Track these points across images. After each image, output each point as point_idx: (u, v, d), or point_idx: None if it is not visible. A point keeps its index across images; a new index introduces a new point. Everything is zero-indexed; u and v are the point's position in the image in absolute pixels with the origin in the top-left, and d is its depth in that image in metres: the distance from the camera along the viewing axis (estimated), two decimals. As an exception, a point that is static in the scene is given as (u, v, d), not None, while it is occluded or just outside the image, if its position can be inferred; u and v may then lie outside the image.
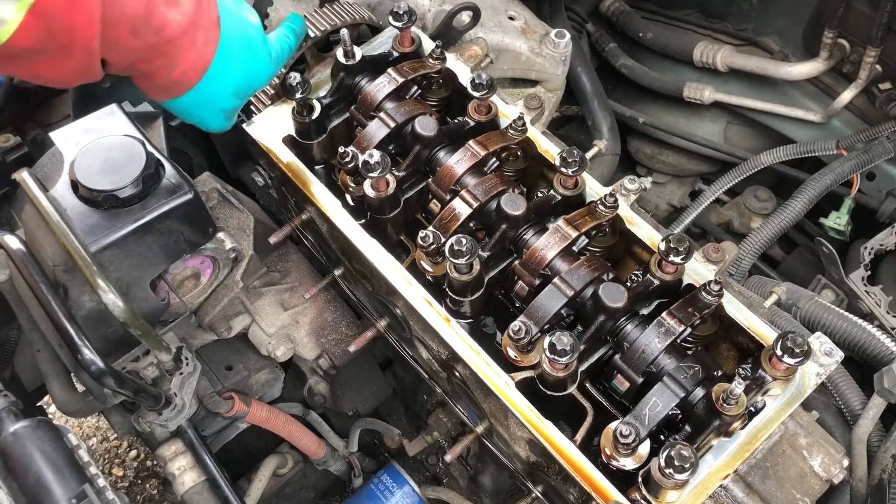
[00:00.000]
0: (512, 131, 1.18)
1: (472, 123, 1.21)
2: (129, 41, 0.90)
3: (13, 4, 0.77)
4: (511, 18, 1.56)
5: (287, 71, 1.30)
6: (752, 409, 1.01)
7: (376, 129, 1.19)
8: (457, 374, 1.13)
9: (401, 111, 1.19)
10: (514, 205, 1.09)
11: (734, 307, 1.07)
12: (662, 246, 1.03)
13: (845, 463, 1.06)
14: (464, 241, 1.02)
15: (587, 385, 1.10)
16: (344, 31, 1.25)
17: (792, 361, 0.95)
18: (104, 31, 0.86)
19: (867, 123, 1.74)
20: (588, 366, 1.07)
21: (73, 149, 1.16)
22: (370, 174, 1.09)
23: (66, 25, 0.82)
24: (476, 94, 1.17)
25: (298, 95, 1.21)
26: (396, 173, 1.17)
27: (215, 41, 1.03)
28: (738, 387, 0.93)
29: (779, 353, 0.95)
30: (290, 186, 1.26)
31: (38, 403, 1.85)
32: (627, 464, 0.96)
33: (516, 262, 1.12)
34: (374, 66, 1.28)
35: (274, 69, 1.19)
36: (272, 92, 1.34)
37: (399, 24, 1.24)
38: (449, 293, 1.11)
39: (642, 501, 0.96)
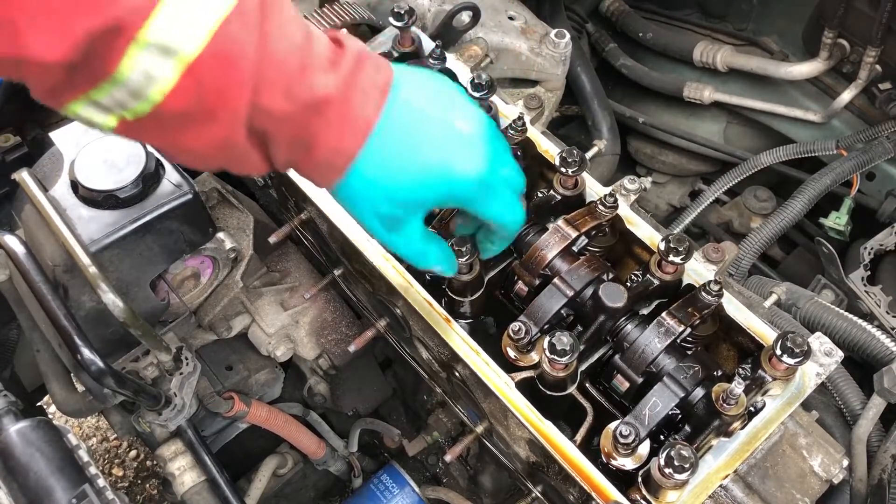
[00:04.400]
0: (512, 131, 1.18)
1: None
2: (282, 105, 0.77)
3: (171, 63, 0.69)
4: (511, 18, 1.56)
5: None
6: (751, 409, 1.01)
7: None
8: (457, 374, 1.13)
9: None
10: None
11: (734, 307, 1.07)
12: (662, 246, 1.03)
13: (845, 463, 1.06)
14: (464, 241, 1.02)
15: (587, 385, 1.10)
16: (344, 32, 1.25)
17: (792, 361, 0.95)
18: (257, 95, 0.75)
19: (867, 123, 1.74)
20: (588, 366, 1.07)
21: (73, 149, 1.16)
22: None
23: (218, 86, 0.73)
24: (476, 95, 1.17)
25: None
26: None
27: (378, 106, 0.83)
28: (737, 387, 0.93)
29: (779, 353, 0.95)
30: (289, 186, 1.26)
31: (38, 403, 1.85)
32: (627, 464, 0.96)
33: (516, 262, 1.12)
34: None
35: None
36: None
37: (399, 24, 1.24)
38: (449, 293, 1.11)
39: (642, 501, 0.96)
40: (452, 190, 0.87)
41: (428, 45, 1.32)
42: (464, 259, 1.03)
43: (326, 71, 0.80)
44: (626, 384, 1.03)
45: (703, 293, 1.03)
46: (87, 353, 1.03)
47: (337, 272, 1.33)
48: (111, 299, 1.04)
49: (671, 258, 1.02)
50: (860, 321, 1.29)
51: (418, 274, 1.13)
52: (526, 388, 1.04)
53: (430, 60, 1.25)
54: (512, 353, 1.05)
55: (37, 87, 0.72)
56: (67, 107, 0.73)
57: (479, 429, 1.17)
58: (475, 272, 1.07)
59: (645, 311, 1.09)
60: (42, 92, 0.72)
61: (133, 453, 2.57)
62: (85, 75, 0.68)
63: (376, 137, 0.83)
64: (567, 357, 0.95)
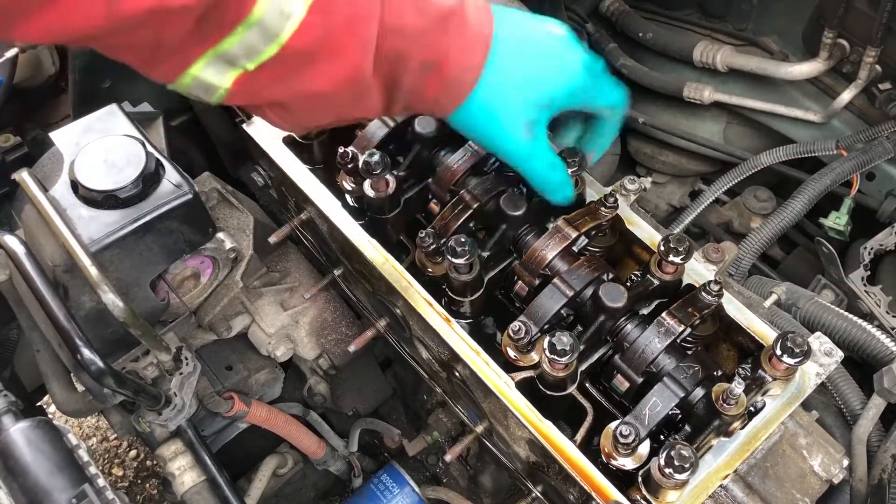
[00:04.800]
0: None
1: None
2: (415, 20, 0.78)
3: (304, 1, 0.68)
4: (511, 18, 1.56)
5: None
6: (751, 409, 1.01)
7: (375, 129, 1.19)
8: (457, 374, 1.13)
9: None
10: (513, 205, 1.09)
11: (734, 307, 1.07)
12: (662, 246, 1.03)
13: (845, 463, 1.06)
14: (464, 240, 1.02)
15: (587, 385, 1.10)
16: None
17: (792, 361, 0.95)
18: (387, 15, 0.75)
19: (867, 123, 1.74)
20: (588, 366, 1.07)
21: (73, 149, 1.16)
22: (371, 174, 1.09)
23: (347, 13, 0.72)
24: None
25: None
26: (396, 173, 1.16)
27: (490, 20, 0.89)
28: (737, 387, 0.93)
29: (778, 353, 0.95)
30: (289, 186, 1.26)
31: (38, 403, 1.85)
32: (627, 464, 0.96)
33: (516, 262, 1.12)
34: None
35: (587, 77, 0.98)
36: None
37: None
38: (449, 293, 1.11)
39: (642, 501, 0.96)
40: (572, 82, 0.96)
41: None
42: (464, 259, 1.03)
43: None
44: (626, 384, 1.03)
45: (703, 293, 1.03)
46: (86, 353, 1.03)
47: (337, 272, 1.33)
48: (111, 299, 1.04)
49: (671, 258, 1.02)
50: (860, 321, 1.29)
51: (418, 274, 1.13)
52: (526, 388, 1.04)
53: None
54: (512, 353, 1.05)
55: (159, 53, 0.69)
56: (188, 71, 0.71)
57: (479, 429, 1.17)
58: (475, 272, 1.07)
59: (645, 311, 1.09)
60: (167, 54, 0.70)
61: (133, 453, 2.57)
62: (218, 22, 0.67)
63: (495, 49, 0.89)
64: (567, 357, 0.95)
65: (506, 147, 0.98)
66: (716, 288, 1.02)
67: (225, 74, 0.72)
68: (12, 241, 1.08)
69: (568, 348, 0.95)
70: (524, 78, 0.93)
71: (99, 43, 0.67)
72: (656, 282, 1.07)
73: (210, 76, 0.72)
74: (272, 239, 1.30)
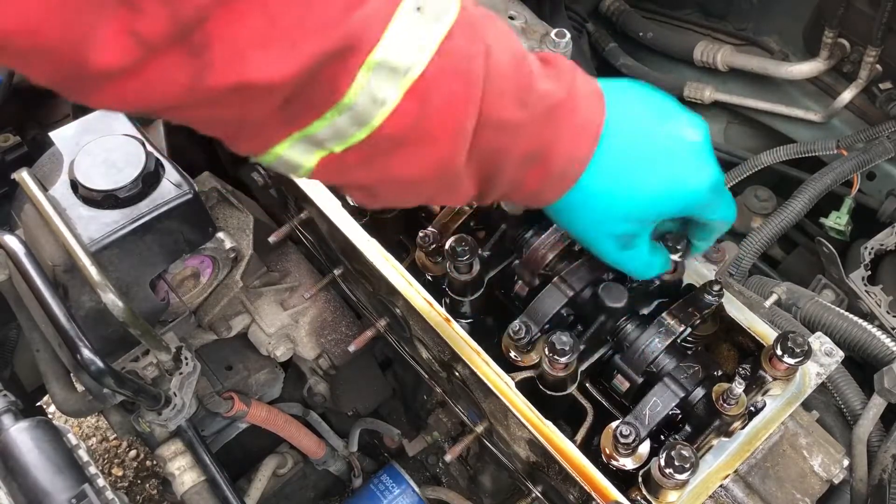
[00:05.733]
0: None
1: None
2: (515, 114, 0.72)
3: (394, 84, 0.63)
4: (511, 18, 1.56)
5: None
6: (752, 408, 1.01)
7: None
8: (457, 374, 1.12)
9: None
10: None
11: (734, 307, 1.07)
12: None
13: (845, 463, 1.06)
14: (464, 240, 1.02)
15: (587, 385, 1.10)
16: None
17: (792, 361, 0.95)
18: (487, 107, 0.70)
19: (867, 123, 1.74)
20: (588, 366, 1.07)
21: (72, 148, 1.16)
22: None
23: (443, 103, 0.67)
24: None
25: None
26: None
27: (601, 111, 0.79)
28: (738, 387, 0.93)
29: (779, 353, 0.95)
30: (289, 186, 1.26)
31: (38, 403, 1.85)
32: (627, 464, 0.96)
33: (516, 261, 1.12)
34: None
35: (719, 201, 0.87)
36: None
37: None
38: (449, 293, 1.11)
39: (642, 501, 0.96)
40: (690, 201, 0.84)
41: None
42: (464, 259, 1.02)
43: (549, 77, 0.76)
44: (627, 384, 1.03)
45: (704, 293, 1.03)
46: (86, 353, 1.03)
47: (337, 272, 1.32)
48: (111, 299, 1.04)
49: (671, 257, 1.02)
50: (860, 321, 1.29)
51: (418, 274, 1.13)
52: (526, 388, 1.04)
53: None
54: (512, 353, 1.05)
55: (244, 130, 0.66)
56: (272, 150, 0.68)
57: (479, 429, 1.17)
58: (475, 272, 1.07)
59: (645, 311, 1.09)
60: (251, 132, 0.67)
61: (133, 453, 2.57)
62: (307, 105, 0.64)
63: (604, 146, 0.79)
64: (567, 357, 0.95)
65: (597, 251, 0.90)
66: (716, 288, 1.02)
67: (310, 155, 0.69)
68: (12, 241, 1.07)
69: (568, 348, 0.95)
70: (631, 185, 0.81)
71: (180, 115, 0.64)
72: (657, 282, 1.07)
73: (294, 156, 0.69)
74: (272, 239, 1.30)
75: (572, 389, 1.04)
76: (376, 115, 0.65)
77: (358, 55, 0.62)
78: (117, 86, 0.57)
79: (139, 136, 1.18)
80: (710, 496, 0.97)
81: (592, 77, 0.81)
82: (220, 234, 1.26)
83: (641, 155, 0.81)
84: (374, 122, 0.65)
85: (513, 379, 1.03)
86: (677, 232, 0.99)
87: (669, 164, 0.82)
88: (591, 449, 1.01)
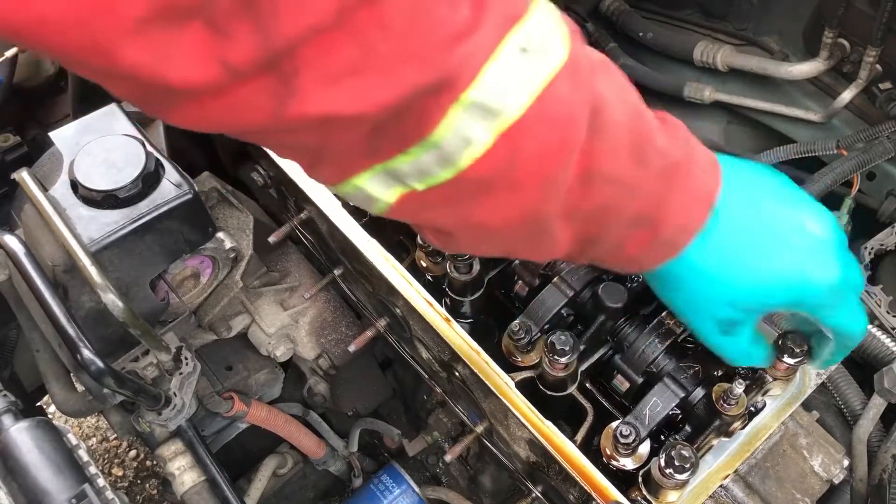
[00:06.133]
0: None
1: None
2: (631, 170, 0.67)
3: (487, 126, 0.59)
4: (511, 18, 1.56)
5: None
6: (752, 409, 1.01)
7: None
8: (457, 374, 1.12)
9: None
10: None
11: (734, 307, 1.07)
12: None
13: (845, 463, 1.06)
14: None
15: (587, 385, 1.10)
16: None
17: (792, 361, 0.95)
18: (593, 161, 0.65)
19: (867, 123, 1.74)
20: (588, 366, 1.07)
21: (72, 148, 1.16)
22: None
23: (538, 151, 0.62)
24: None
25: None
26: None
27: (717, 181, 0.74)
28: (738, 387, 0.93)
29: (779, 353, 0.95)
30: (289, 186, 1.26)
31: (38, 403, 1.85)
32: (627, 464, 0.96)
33: (516, 261, 1.12)
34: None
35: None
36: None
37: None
38: (449, 293, 1.11)
39: (642, 501, 0.96)
40: (803, 297, 0.77)
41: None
42: (464, 259, 1.02)
43: (667, 135, 0.71)
44: (627, 384, 1.03)
45: (704, 293, 1.02)
46: (86, 353, 1.03)
47: (337, 272, 1.32)
48: (111, 299, 1.04)
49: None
50: (860, 321, 1.29)
51: (418, 274, 1.13)
52: (526, 388, 1.04)
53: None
54: (512, 353, 1.05)
55: (323, 157, 0.63)
56: (350, 180, 0.64)
57: (479, 429, 1.17)
58: (475, 272, 1.06)
59: (645, 311, 1.09)
60: (332, 159, 0.63)
61: (133, 453, 2.57)
62: (392, 138, 0.60)
63: (716, 220, 0.73)
64: (567, 357, 0.95)
65: (694, 329, 0.84)
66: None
67: (390, 189, 0.65)
68: (12, 241, 1.07)
69: (568, 348, 0.95)
70: (741, 268, 0.75)
71: (262, 139, 0.62)
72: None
73: (373, 188, 0.65)
74: (272, 239, 1.30)
75: (572, 389, 1.04)
76: (463, 155, 0.61)
77: (452, 91, 0.58)
78: (199, 105, 0.55)
79: (139, 136, 1.18)
80: (710, 496, 0.97)
81: (708, 148, 0.76)
82: (220, 234, 1.26)
83: (756, 238, 0.75)
84: (460, 163, 0.61)
85: (513, 379, 1.03)
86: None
87: (786, 252, 0.76)
88: (591, 449, 1.01)
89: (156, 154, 1.17)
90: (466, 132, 0.60)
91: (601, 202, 0.68)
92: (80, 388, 1.30)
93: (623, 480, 0.97)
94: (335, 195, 1.20)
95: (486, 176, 0.63)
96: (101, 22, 0.47)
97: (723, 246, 0.74)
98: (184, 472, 1.31)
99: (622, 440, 0.92)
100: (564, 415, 1.08)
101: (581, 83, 0.63)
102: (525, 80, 0.60)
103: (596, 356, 1.08)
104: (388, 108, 0.57)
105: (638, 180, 0.68)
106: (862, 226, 1.73)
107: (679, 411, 1.00)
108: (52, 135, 1.20)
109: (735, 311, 0.78)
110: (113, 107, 1.25)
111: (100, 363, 1.04)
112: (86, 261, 1.04)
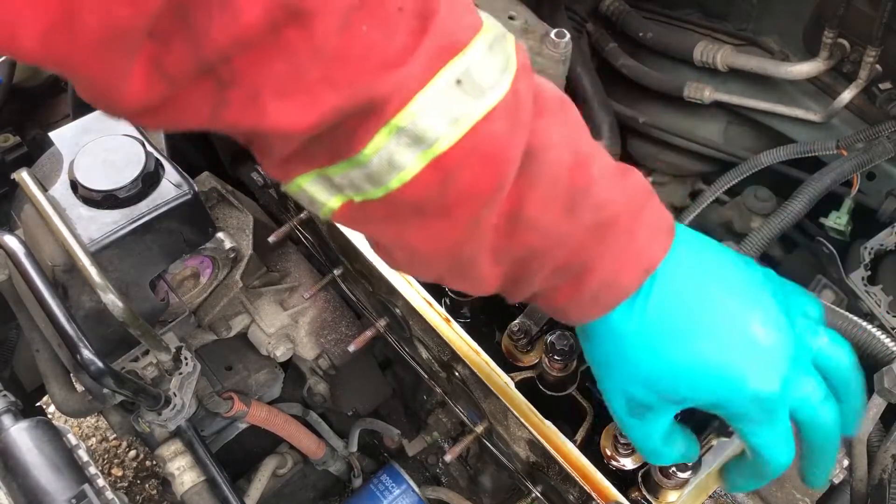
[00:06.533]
0: None
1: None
2: (560, 219, 0.65)
3: (415, 153, 0.60)
4: (511, 18, 1.56)
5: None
6: (752, 409, 1.01)
7: None
8: (457, 374, 1.13)
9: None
10: None
11: (734, 307, 1.07)
12: None
13: (845, 463, 1.06)
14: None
15: (587, 385, 1.10)
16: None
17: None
18: (522, 204, 0.64)
19: (867, 123, 1.74)
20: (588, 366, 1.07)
21: (72, 148, 1.16)
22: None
23: (467, 185, 0.62)
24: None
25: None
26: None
27: (664, 246, 0.69)
28: (738, 387, 0.93)
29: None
30: (289, 186, 1.26)
31: (38, 403, 1.85)
32: (627, 464, 0.96)
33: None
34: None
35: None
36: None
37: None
38: (449, 293, 1.11)
39: (643, 501, 0.96)
40: (727, 401, 0.70)
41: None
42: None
43: (613, 187, 0.67)
44: (627, 384, 1.03)
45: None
46: (86, 353, 1.03)
47: (337, 272, 1.32)
48: (111, 299, 1.04)
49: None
50: (860, 321, 1.29)
51: (418, 274, 1.13)
52: (526, 388, 1.04)
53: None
54: (512, 353, 1.05)
55: (268, 156, 0.65)
56: (295, 180, 0.65)
57: (479, 429, 1.17)
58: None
59: (645, 311, 1.09)
60: (272, 162, 0.65)
61: (132, 453, 2.57)
62: (325, 149, 0.61)
63: (654, 290, 0.68)
64: (567, 357, 0.95)
65: (606, 401, 0.78)
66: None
67: (332, 196, 0.65)
68: (12, 241, 1.07)
69: (568, 348, 0.95)
70: (664, 346, 0.69)
71: (208, 131, 0.64)
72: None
73: (316, 192, 0.65)
74: (272, 239, 1.30)
75: (572, 390, 1.04)
76: (392, 178, 0.61)
77: (380, 116, 0.58)
78: (146, 117, 0.58)
79: (139, 136, 1.18)
80: (710, 496, 0.97)
81: (669, 214, 0.72)
82: (220, 234, 1.26)
83: (691, 320, 0.69)
84: (390, 184, 0.62)
85: (513, 379, 1.03)
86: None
87: (719, 345, 0.68)
88: (591, 449, 1.01)
89: (156, 154, 1.17)
90: (393, 157, 0.60)
91: (526, 246, 0.66)
92: (79, 388, 1.30)
93: (623, 480, 0.97)
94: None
95: (418, 200, 0.63)
96: (61, 38, 0.49)
97: (652, 318, 0.69)
98: (183, 472, 1.31)
99: (622, 440, 0.92)
100: (564, 415, 1.08)
101: (519, 123, 0.62)
102: (457, 113, 0.59)
103: (596, 356, 1.08)
104: (312, 128, 0.58)
105: (566, 230, 0.65)
106: (862, 226, 1.73)
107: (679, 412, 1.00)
108: (52, 135, 1.20)
109: (647, 392, 0.71)
110: (113, 107, 1.25)
111: (99, 363, 1.04)
112: (86, 261, 1.04)
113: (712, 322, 0.69)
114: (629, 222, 0.67)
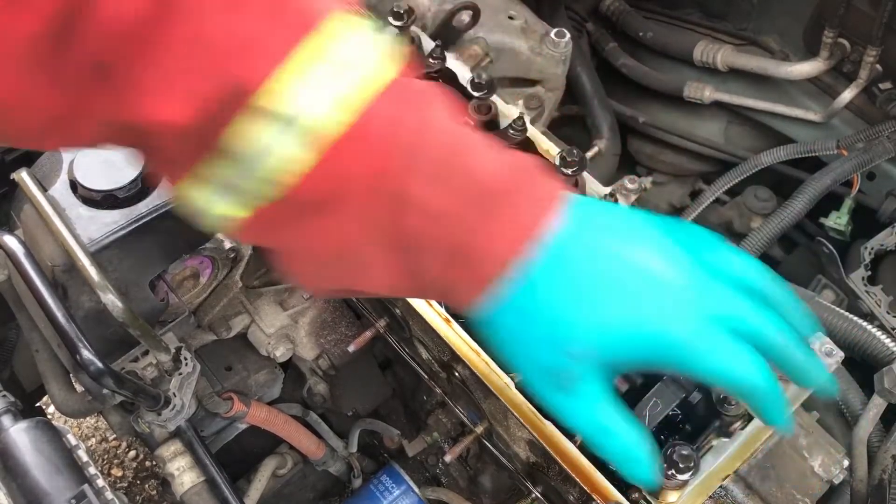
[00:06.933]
0: (512, 131, 1.18)
1: (471, 123, 1.21)
2: (442, 199, 0.63)
3: (293, 137, 0.58)
4: (511, 18, 1.56)
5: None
6: (752, 409, 1.01)
7: None
8: (457, 374, 1.12)
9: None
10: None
11: (734, 307, 1.07)
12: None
13: (845, 463, 1.06)
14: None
15: (587, 385, 1.09)
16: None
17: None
18: (412, 186, 0.62)
19: (867, 123, 1.74)
20: (588, 366, 1.07)
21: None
22: None
23: (351, 169, 0.60)
24: (476, 94, 1.17)
25: None
26: None
27: (552, 212, 0.66)
28: (738, 387, 0.93)
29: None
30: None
31: (37, 404, 1.85)
32: (627, 464, 0.96)
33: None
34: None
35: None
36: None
37: (399, 24, 1.23)
38: (449, 293, 1.11)
39: (642, 502, 0.96)
40: (652, 347, 0.66)
41: (428, 44, 1.32)
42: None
43: (493, 159, 0.66)
44: (626, 385, 1.03)
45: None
46: (86, 353, 1.03)
47: (336, 272, 1.32)
48: (111, 299, 1.04)
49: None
50: (860, 321, 1.29)
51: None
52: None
53: (430, 60, 1.25)
54: (512, 354, 1.05)
55: (157, 158, 0.64)
56: (180, 185, 0.63)
57: (479, 429, 1.17)
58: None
59: (645, 312, 1.09)
60: (162, 164, 0.65)
61: (132, 454, 2.57)
62: (193, 145, 0.60)
63: (552, 259, 0.66)
64: (567, 357, 0.95)
65: (530, 387, 0.73)
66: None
67: (227, 202, 0.63)
68: (11, 241, 1.07)
69: (568, 348, 0.95)
70: (572, 308, 0.66)
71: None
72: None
73: (208, 200, 0.63)
74: (272, 239, 1.30)
75: (572, 390, 1.04)
76: (261, 166, 0.59)
77: (243, 100, 0.57)
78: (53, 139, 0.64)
79: (139, 136, 1.18)
80: (710, 496, 0.97)
81: (558, 180, 0.69)
82: (220, 234, 1.26)
83: (588, 276, 0.66)
84: (269, 175, 0.59)
85: (513, 379, 1.03)
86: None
87: (627, 299, 0.66)
88: (591, 449, 1.01)
89: (155, 154, 1.16)
90: (265, 141, 0.58)
91: (417, 231, 0.64)
92: (79, 388, 1.30)
93: (623, 481, 0.97)
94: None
95: (304, 195, 0.61)
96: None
97: (551, 283, 0.66)
98: (183, 472, 1.31)
99: (622, 440, 0.92)
100: (564, 415, 1.08)
101: (401, 104, 0.62)
102: (341, 91, 0.58)
103: (596, 356, 1.08)
104: (188, 120, 0.57)
105: (452, 209, 0.63)
106: (862, 226, 1.73)
107: (679, 412, 1.00)
108: (52, 135, 1.20)
109: (560, 356, 0.66)
110: (112, 107, 1.25)
111: (99, 363, 1.04)
112: (85, 261, 1.04)
113: (610, 274, 0.67)
114: (514, 194, 0.65)
